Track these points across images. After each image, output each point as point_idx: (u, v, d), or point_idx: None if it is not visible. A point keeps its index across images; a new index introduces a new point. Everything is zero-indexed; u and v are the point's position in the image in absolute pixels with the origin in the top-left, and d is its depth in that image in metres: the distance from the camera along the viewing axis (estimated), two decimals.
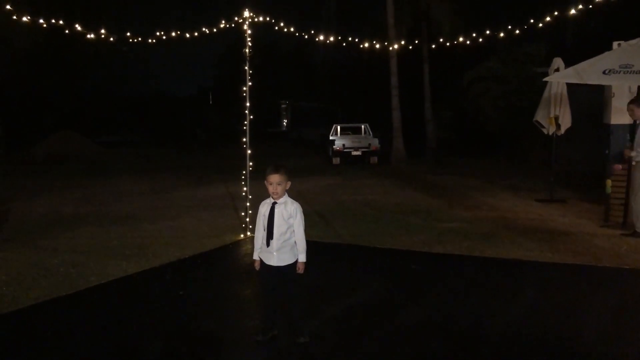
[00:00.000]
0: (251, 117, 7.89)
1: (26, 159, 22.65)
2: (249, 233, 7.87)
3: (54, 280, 5.87)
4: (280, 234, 4.02)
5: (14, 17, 6.00)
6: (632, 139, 7.81)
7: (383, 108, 24.95)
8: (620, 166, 8.59)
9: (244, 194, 7.92)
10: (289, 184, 4.08)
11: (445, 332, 4.38)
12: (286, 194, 4.10)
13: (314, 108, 43.20)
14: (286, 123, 47.54)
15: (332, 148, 21.29)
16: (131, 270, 6.28)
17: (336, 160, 21.11)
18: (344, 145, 21.31)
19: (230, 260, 7.10)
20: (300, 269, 4.09)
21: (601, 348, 4.01)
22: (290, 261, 4.07)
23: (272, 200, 4.08)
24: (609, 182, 8.68)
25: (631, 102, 7.88)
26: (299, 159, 22.44)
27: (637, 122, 7.78)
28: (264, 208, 4.12)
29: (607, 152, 9.19)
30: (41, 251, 7.21)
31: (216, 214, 9.82)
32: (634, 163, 7.63)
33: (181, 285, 5.77)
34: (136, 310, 5.08)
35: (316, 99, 43.98)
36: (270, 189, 4.04)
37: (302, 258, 4.09)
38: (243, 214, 8.12)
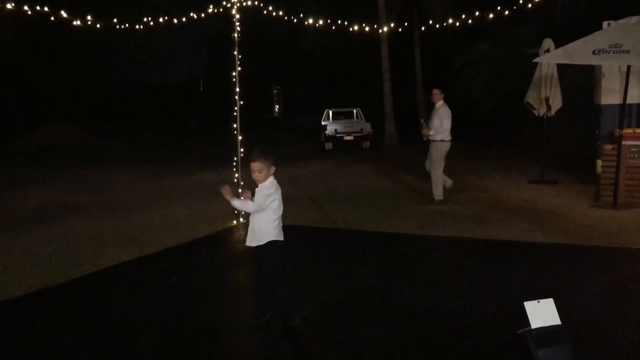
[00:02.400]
0: (241, 102, 7.85)
1: (18, 150, 22.51)
2: (241, 219, 7.87)
3: (46, 270, 5.87)
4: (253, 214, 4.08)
5: None
6: (427, 120, 9.22)
7: (375, 92, 24.90)
8: (610, 146, 8.64)
9: (235, 180, 7.91)
10: (272, 169, 4.05)
11: (437, 314, 4.42)
12: (271, 179, 4.07)
13: (305, 93, 43.04)
14: (278, 109, 47.35)
15: (324, 133, 21.25)
16: (124, 258, 6.27)
17: (328, 146, 21.08)
18: (336, 130, 21.27)
19: (223, 246, 7.10)
20: (227, 194, 4.07)
21: (592, 327, 4.06)
22: (260, 242, 4.06)
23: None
24: (599, 163, 8.73)
25: (437, 87, 9.13)
26: (291, 145, 22.39)
27: (435, 104, 9.04)
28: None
29: (597, 132, 9.23)
30: (34, 240, 7.19)
31: (209, 201, 9.79)
32: (430, 139, 8.96)
33: (174, 272, 5.79)
34: (129, 298, 5.08)
35: (308, 84, 43.79)
36: (252, 176, 4.08)
37: (234, 202, 4.10)
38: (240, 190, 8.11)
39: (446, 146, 8.91)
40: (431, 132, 8.85)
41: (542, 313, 3.04)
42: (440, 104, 8.98)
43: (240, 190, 7.84)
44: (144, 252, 6.50)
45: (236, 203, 4.12)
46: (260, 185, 4.06)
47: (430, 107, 9.54)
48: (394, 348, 3.83)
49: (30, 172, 15.27)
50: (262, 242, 4.07)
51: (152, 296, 5.10)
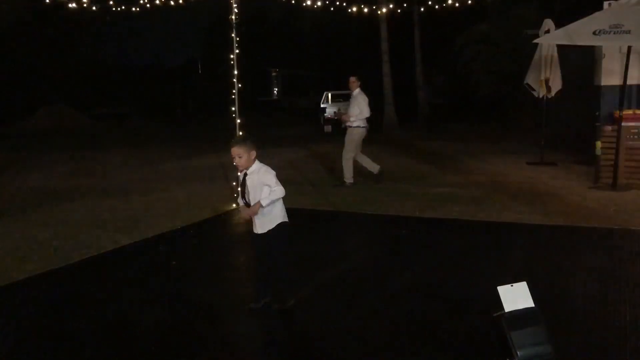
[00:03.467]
0: (239, 85, 7.81)
1: (16, 133, 22.46)
2: (240, 203, 7.85)
3: (46, 254, 5.88)
4: (256, 202, 4.06)
5: None
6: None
7: (374, 74, 24.75)
8: (610, 127, 8.61)
9: (234, 163, 7.88)
10: (253, 153, 4.07)
11: (435, 296, 4.44)
12: (256, 162, 4.11)
13: (304, 76, 42.81)
14: (277, 91, 47.13)
15: (324, 116, 21.20)
16: (123, 242, 6.28)
17: (328, 128, 21.01)
18: (335, 112, 21.21)
19: (223, 229, 7.12)
20: (252, 209, 4.05)
21: (591, 308, 4.08)
22: (271, 226, 4.09)
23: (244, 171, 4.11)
24: (598, 144, 8.71)
25: (354, 74, 9.29)
26: (290, 127, 22.33)
27: (352, 92, 9.21)
28: (240, 175, 4.19)
29: (597, 113, 9.19)
30: (33, 225, 7.20)
31: (207, 185, 9.80)
32: (348, 125, 9.17)
33: (174, 255, 5.80)
34: (129, 281, 5.10)
35: (307, 66, 43.53)
36: (233, 161, 4.13)
37: (263, 202, 4.02)
38: (235, 183, 8.08)
39: (362, 132, 9.22)
40: (351, 119, 9.07)
41: (515, 296, 3.10)
42: (357, 91, 9.17)
43: (239, 174, 7.82)
44: (144, 236, 6.51)
45: (265, 202, 4.03)
46: (249, 171, 4.08)
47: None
48: (392, 328, 3.85)
49: (29, 155, 15.24)
50: (273, 226, 4.10)
51: (152, 280, 5.13)
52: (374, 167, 9.40)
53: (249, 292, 4.49)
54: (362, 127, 9.17)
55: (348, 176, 9.28)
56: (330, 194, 8.73)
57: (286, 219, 4.17)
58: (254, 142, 4.13)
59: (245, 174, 4.12)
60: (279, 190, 4.03)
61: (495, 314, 3.10)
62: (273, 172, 4.09)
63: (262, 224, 4.12)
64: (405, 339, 3.74)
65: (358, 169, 9.45)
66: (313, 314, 4.16)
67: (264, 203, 4.01)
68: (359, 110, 9.02)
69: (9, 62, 29.92)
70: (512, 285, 3.14)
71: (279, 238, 4.12)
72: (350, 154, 9.23)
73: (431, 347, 3.60)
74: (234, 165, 4.22)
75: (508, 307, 3.08)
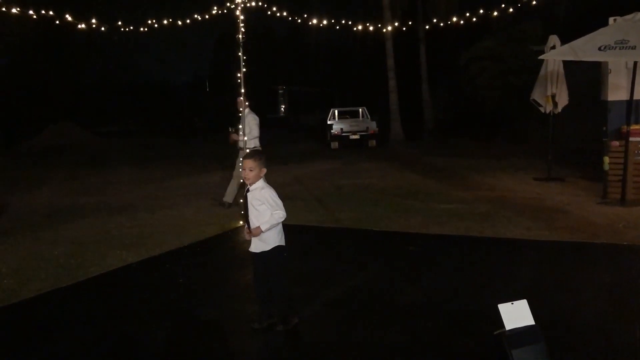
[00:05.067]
0: (247, 103, 7.86)
1: (24, 151, 22.62)
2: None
3: (53, 272, 5.89)
4: (252, 221, 4.09)
5: (3, 9, 5.95)
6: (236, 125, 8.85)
7: (380, 91, 24.85)
8: (617, 143, 8.58)
9: (241, 180, 7.91)
10: (263, 170, 4.12)
11: (443, 312, 4.41)
12: (262, 180, 4.13)
13: (311, 93, 43.05)
14: (284, 108, 47.37)
15: (330, 132, 21.28)
16: (131, 259, 6.29)
17: (334, 145, 21.10)
18: (342, 129, 21.28)
19: (229, 247, 7.12)
20: (253, 232, 4.04)
21: (599, 325, 4.04)
22: (266, 248, 4.08)
23: (247, 186, 4.14)
24: (606, 159, 8.68)
25: (240, 96, 8.58)
26: (297, 144, 22.41)
27: (240, 111, 8.61)
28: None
29: (604, 129, 9.17)
30: (40, 242, 7.23)
31: (214, 202, 9.81)
32: (240, 146, 8.59)
33: (181, 273, 5.80)
34: (136, 299, 5.10)
35: (313, 83, 43.80)
36: (243, 173, 4.15)
37: (263, 227, 4.02)
38: (241, 200, 8.10)
39: None
40: (241, 139, 8.65)
41: (516, 314, 3.11)
42: (247, 111, 8.74)
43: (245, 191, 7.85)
44: (151, 254, 6.52)
45: (265, 227, 4.03)
46: (252, 187, 4.11)
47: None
48: (398, 344, 3.82)
49: (37, 173, 15.35)
50: (267, 248, 4.09)
51: (158, 297, 5.12)
52: (229, 197, 9.15)
53: (255, 310, 4.47)
54: (257, 148, 8.68)
55: (229, 198, 9.10)
56: (337, 210, 8.72)
57: (283, 243, 4.14)
58: (264, 158, 4.16)
59: (247, 192, 4.15)
60: (279, 215, 4.02)
61: (496, 332, 3.10)
62: (273, 192, 4.08)
63: (256, 243, 4.13)
64: (412, 355, 3.71)
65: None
66: (319, 331, 4.14)
67: (263, 228, 4.01)
68: (248, 129, 8.63)
69: (18, 81, 30.27)
70: (512, 304, 3.15)
71: (275, 261, 4.11)
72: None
73: None
74: (241, 183, 4.24)
75: (509, 325, 3.09)
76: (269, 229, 4.03)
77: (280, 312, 4.17)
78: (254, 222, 4.08)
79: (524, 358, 2.96)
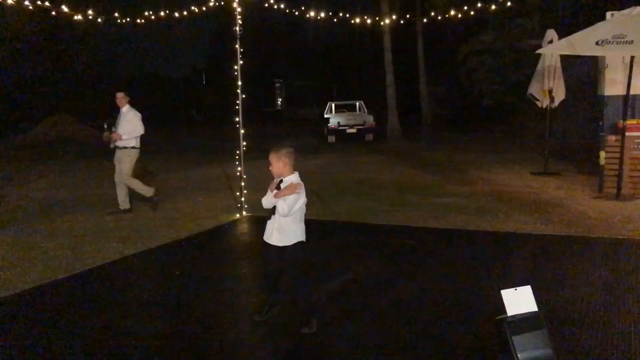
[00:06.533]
0: (244, 96, 7.85)
1: (21, 144, 22.56)
2: (244, 213, 7.89)
3: (50, 264, 5.89)
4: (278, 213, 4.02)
5: None
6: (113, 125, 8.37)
7: (377, 85, 24.83)
8: (613, 137, 8.61)
9: (238, 174, 7.91)
10: (285, 162, 4.05)
11: (440, 306, 4.43)
12: (295, 174, 4.10)
13: (308, 86, 43.01)
14: (281, 102, 47.33)
15: (327, 126, 21.28)
16: (127, 252, 6.30)
17: (331, 139, 21.10)
18: (339, 123, 21.27)
19: (227, 240, 7.13)
20: (278, 193, 3.98)
21: (595, 317, 4.06)
22: (288, 242, 4.02)
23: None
24: (602, 154, 8.70)
25: (119, 90, 8.44)
26: (294, 138, 22.37)
27: (122, 109, 8.32)
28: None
29: (600, 123, 9.19)
30: (37, 235, 7.22)
31: (212, 195, 9.82)
32: (119, 146, 8.26)
33: (178, 265, 5.80)
34: (133, 291, 5.11)
35: (310, 77, 43.74)
36: (270, 167, 4.11)
37: (283, 201, 3.96)
38: (238, 194, 8.12)
39: (138, 153, 8.43)
40: (124, 137, 8.17)
41: (519, 300, 3.09)
42: (126, 108, 8.33)
43: (242, 184, 7.86)
44: (147, 246, 6.53)
45: (285, 198, 3.97)
46: (286, 179, 4.04)
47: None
48: (397, 336, 3.84)
49: (34, 166, 15.31)
50: (289, 243, 4.02)
51: (155, 290, 5.13)
52: (125, 204, 8.49)
53: (254, 301, 4.49)
54: (138, 147, 8.38)
55: (148, 193, 8.55)
56: (334, 203, 8.74)
57: (304, 238, 4.09)
58: (289, 153, 4.09)
59: (281, 181, 4.07)
60: (282, 207, 3.95)
61: (497, 318, 3.10)
62: (300, 192, 4.03)
63: (277, 236, 4.03)
64: (411, 347, 3.73)
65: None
66: (317, 324, 4.15)
67: (284, 203, 3.95)
68: (132, 127, 8.18)
69: (15, 73, 30.15)
70: (515, 289, 3.13)
71: (297, 257, 4.03)
72: (129, 175, 8.37)
73: (437, 357, 3.59)
74: (238, 176, 4.24)
75: (511, 311, 3.08)
76: (285, 204, 3.94)
77: (302, 313, 4.10)
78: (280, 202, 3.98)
79: (525, 344, 2.95)
